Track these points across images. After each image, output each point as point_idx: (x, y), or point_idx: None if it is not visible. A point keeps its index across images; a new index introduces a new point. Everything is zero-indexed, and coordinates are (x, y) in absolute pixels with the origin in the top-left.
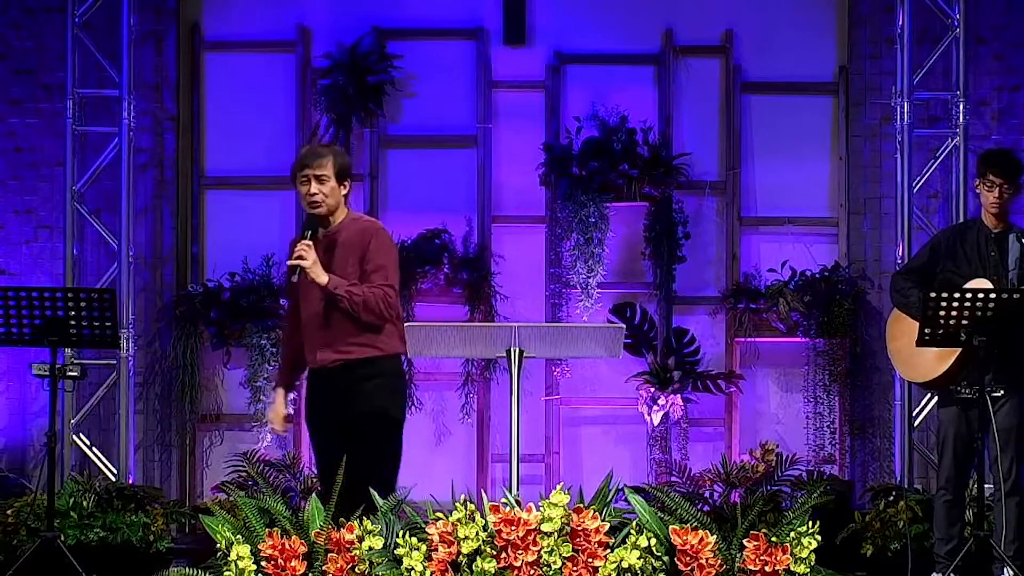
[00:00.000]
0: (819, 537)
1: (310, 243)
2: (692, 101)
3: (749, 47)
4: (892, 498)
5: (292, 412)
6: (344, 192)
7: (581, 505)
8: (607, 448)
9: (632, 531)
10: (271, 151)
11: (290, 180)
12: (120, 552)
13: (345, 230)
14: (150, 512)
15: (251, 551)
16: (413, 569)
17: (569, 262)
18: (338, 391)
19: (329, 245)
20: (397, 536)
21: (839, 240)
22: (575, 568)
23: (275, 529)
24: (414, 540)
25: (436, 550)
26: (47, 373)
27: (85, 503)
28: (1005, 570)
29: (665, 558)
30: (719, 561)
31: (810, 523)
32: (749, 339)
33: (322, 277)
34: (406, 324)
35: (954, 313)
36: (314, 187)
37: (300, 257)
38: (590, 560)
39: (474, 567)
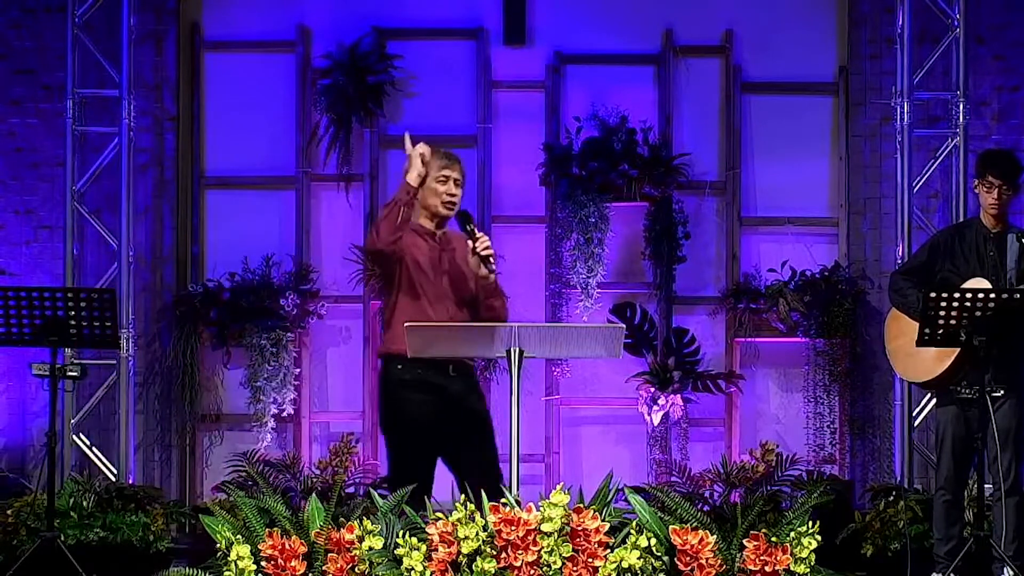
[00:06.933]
0: (819, 537)
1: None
2: (692, 101)
3: (749, 47)
4: (892, 498)
5: None
6: None
7: (581, 505)
8: (607, 448)
9: (632, 531)
10: (271, 151)
11: (421, 184)
12: (120, 552)
13: (453, 234)
14: (150, 512)
15: (251, 551)
16: (413, 569)
17: (569, 262)
18: (466, 391)
19: (446, 243)
20: (397, 536)
21: (839, 240)
22: (575, 568)
23: (275, 529)
24: (414, 540)
25: (436, 550)
26: (47, 373)
27: (85, 503)
28: (1005, 570)
29: (665, 558)
30: (719, 561)
31: (810, 523)
32: (749, 339)
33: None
34: (406, 324)
35: (954, 313)
36: (454, 188)
37: (489, 248)
38: (590, 560)
39: (474, 567)
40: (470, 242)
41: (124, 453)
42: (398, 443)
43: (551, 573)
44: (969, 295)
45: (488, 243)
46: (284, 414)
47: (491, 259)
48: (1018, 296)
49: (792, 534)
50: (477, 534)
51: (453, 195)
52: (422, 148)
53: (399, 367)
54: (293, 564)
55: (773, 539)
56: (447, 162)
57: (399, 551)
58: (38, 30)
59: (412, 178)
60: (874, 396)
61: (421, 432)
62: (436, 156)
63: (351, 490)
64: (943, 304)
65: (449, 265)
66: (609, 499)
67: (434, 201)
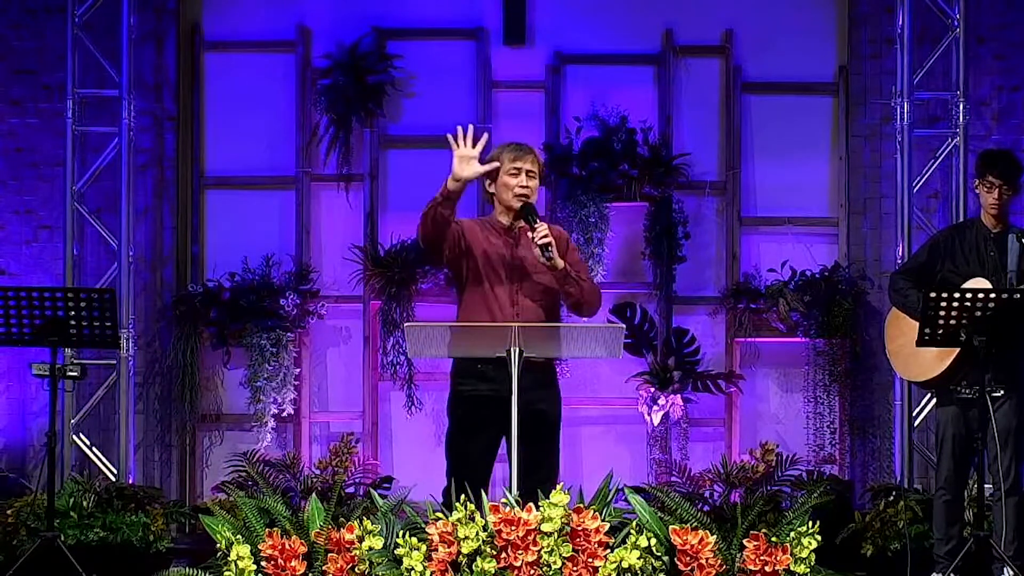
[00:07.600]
0: (819, 537)
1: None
2: (692, 101)
3: (749, 47)
4: (892, 498)
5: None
6: None
7: (581, 505)
8: (607, 448)
9: (632, 531)
10: (271, 151)
11: (486, 174)
12: (120, 552)
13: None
14: (150, 512)
15: (251, 551)
16: (413, 569)
17: None
18: (526, 388)
19: (519, 238)
20: (397, 536)
21: (839, 240)
22: (575, 568)
23: (275, 529)
24: (414, 540)
25: (436, 550)
26: (47, 373)
27: (85, 503)
28: (1005, 570)
29: (665, 558)
30: (719, 561)
31: (810, 523)
32: (749, 339)
33: (560, 261)
34: (406, 324)
35: (954, 313)
36: (526, 180)
37: (546, 236)
38: (590, 560)
39: (474, 567)
40: (529, 232)
41: (124, 453)
42: (450, 434)
43: (551, 573)
44: (969, 295)
45: (545, 231)
46: (284, 414)
47: (548, 247)
48: (1018, 296)
49: (792, 534)
50: (477, 534)
51: (525, 187)
52: (465, 151)
53: (462, 361)
54: (293, 564)
55: (773, 539)
56: (518, 153)
57: (399, 551)
58: (38, 30)
59: (451, 181)
60: (874, 396)
61: (470, 424)
62: (506, 149)
63: (351, 490)
64: (943, 304)
65: (520, 259)
66: (609, 499)
67: (506, 196)
